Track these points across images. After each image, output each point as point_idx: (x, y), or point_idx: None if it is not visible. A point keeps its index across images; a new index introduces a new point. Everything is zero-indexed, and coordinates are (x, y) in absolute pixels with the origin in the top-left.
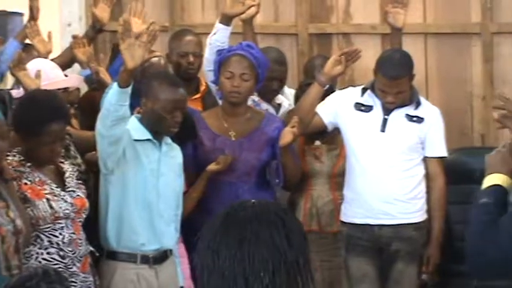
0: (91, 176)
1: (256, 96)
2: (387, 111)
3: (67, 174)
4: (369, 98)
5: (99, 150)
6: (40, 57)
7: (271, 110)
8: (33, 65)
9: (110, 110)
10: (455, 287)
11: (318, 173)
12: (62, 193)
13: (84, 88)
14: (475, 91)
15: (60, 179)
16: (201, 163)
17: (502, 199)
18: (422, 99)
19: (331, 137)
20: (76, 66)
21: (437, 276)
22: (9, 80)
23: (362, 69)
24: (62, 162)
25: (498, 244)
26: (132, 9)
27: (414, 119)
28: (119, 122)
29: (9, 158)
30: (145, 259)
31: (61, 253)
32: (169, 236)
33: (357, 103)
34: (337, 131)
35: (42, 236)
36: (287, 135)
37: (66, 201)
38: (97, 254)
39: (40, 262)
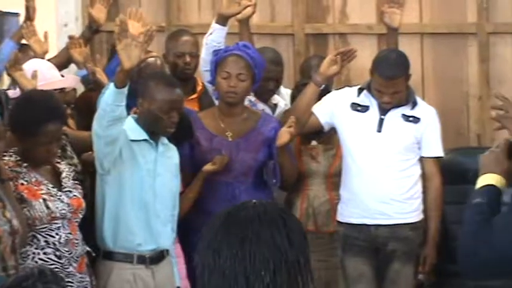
0: (87, 176)
1: (252, 96)
2: (383, 111)
3: (63, 175)
4: (365, 98)
5: (95, 151)
6: (36, 57)
7: (268, 110)
8: (30, 66)
9: (106, 110)
10: (451, 287)
11: (314, 173)
12: (59, 193)
13: (80, 88)
14: (471, 91)
15: (56, 179)
16: (198, 163)
17: (496, 199)
18: (419, 99)
19: (328, 137)
20: (72, 66)
21: (433, 276)
22: (6, 81)
23: (358, 69)
24: (58, 163)
25: (491, 244)
26: (130, 13)
27: (410, 119)
28: (115, 122)
29: (6, 158)
30: (142, 259)
31: (57, 253)
32: (166, 236)
33: (353, 103)
34: (333, 131)
35: (38, 236)
36: (284, 135)
37: (62, 202)
38: (93, 254)
39: (37, 262)
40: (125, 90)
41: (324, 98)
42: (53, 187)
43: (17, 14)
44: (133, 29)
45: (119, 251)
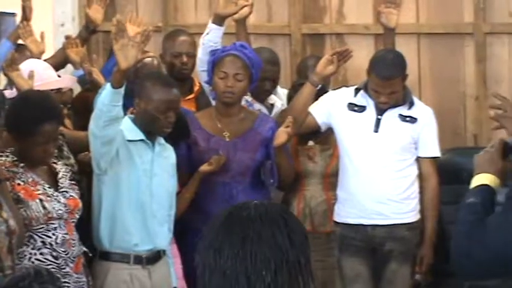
0: (84, 177)
1: (249, 96)
2: (380, 111)
3: (60, 175)
4: (362, 98)
5: (92, 151)
6: (33, 57)
7: (264, 110)
8: (26, 66)
9: (103, 110)
10: (448, 287)
11: (311, 173)
12: (55, 193)
13: (77, 89)
14: (468, 91)
15: (53, 180)
16: (196, 163)
17: (490, 199)
18: (416, 100)
19: (325, 137)
20: (69, 66)
21: (430, 276)
22: (2, 81)
23: (355, 70)
24: (55, 163)
25: (485, 244)
26: (131, 18)
27: (407, 119)
28: (112, 122)
29: (2, 158)
30: (139, 259)
31: (54, 253)
32: (163, 236)
33: (350, 103)
34: (330, 131)
35: (35, 236)
36: (282, 135)
37: (59, 202)
38: (90, 255)
39: (33, 262)
40: (122, 90)
41: (321, 98)
42: (49, 187)
43: (13, 14)
44: (131, 31)
45: (116, 251)
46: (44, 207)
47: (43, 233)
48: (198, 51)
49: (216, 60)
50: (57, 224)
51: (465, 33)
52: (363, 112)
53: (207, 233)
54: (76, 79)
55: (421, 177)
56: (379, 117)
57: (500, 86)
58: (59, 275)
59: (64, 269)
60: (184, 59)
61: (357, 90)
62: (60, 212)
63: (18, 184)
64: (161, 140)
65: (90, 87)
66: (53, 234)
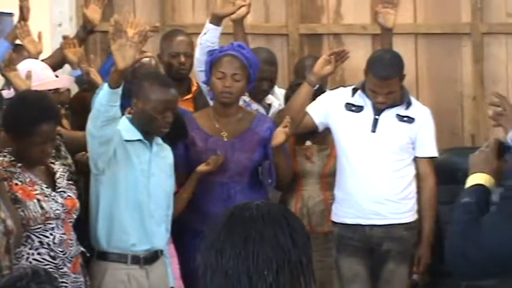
0: (81, 177)
1: (246, 96)
2: (378, 111)
3: (58, 175)
4: (360, 99)
5: (89, 151)
6: (30, 57)
7: (262, 110)
8: (24, 66)
9: (100, 110)
10: (445, 287)
11: (308, 173)
12: (53, 193)
13: (75, 89)
14: (466, 91)
15: (50, 180)
16: (193, 163)
17: (485, 199)
18: (413, 100)
19: (322, 137)
20: (67, 66)
21: (427, 276)
22: (0, 81)
23: (353, 70)
24: (52, 163)
25: (480, 244)
26: (132, 22)
27: (405, 119)
28: (109, 122)
29: (0, 158)
30: (136, 259)
31: (52, 253)
32: (160, 236)
33: (347, 103)
34: (328, 131)
35: (32, 236)
36: (279, 135)
37: (56, 202)
38: (88, 255)
39: (31, 262)
40: (119, 90)
41: (319, 98)
42: (47, 187)
43: (11, 14)
44: (128, 29)
45: (113, 251)
46: (42, 207)
47: (41, 233)
48: (195, 51)
49: (213, 60)
50: (55, 224)
51: (462, 33)
52: (361, 112)
53: (208, 233)
54: (74, 79)
55: (418, 177)
56: (377, 117)
57: (497, 86)
58: (56, 275)
59: (62, 269)
60: (182, 59)
61: (355, 90)
62: (57, 212)
63: (16, 184)
64: (159, 140)
65: (87, 88)
66: (51, 234)
